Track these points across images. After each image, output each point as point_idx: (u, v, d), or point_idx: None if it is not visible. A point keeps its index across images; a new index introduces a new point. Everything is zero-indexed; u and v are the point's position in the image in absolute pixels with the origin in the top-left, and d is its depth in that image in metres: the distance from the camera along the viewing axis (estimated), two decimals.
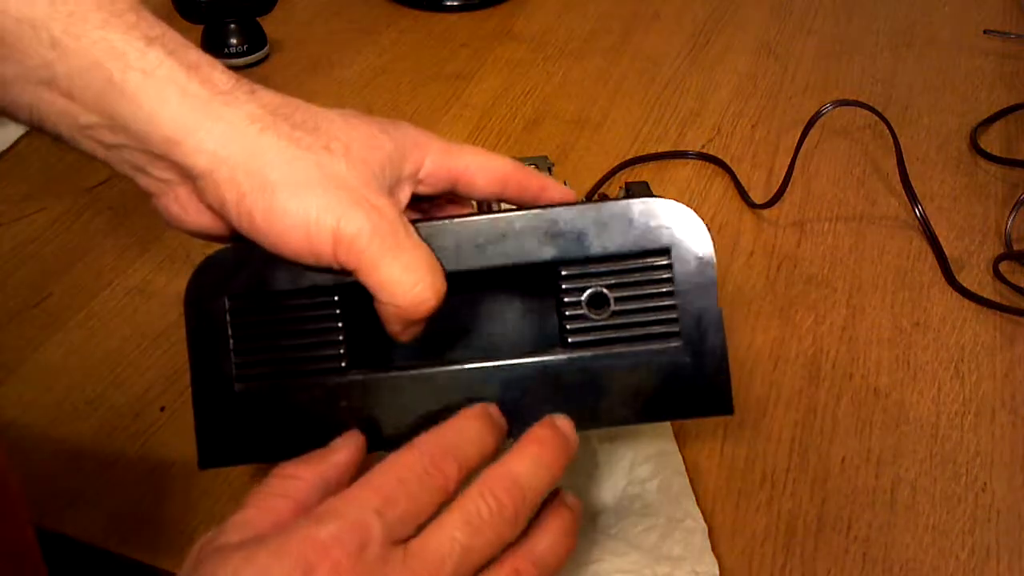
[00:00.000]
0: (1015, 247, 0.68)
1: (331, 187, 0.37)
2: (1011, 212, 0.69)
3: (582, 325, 0.41)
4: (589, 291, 0.41)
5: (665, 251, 0.40)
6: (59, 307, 0.63)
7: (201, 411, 0.40)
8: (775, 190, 0.70)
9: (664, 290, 0.40)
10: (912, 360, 0.60)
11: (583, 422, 0.40)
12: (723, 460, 0.53)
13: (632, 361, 0.40)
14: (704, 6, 0.98)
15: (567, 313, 0.41)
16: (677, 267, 0.40)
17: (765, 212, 0.71)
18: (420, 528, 0.34)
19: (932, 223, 0.68)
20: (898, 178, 0.70)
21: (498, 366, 0.40)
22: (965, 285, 0.64)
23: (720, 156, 0.76)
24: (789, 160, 0.71)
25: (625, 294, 0.40)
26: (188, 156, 0.37)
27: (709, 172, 0.75)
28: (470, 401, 0.39)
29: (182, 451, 0.53)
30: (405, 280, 0.38)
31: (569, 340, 0.40)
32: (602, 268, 0.40)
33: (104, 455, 0.53)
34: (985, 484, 0.52)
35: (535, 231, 0.40)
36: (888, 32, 0.93)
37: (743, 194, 0.72)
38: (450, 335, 0.45)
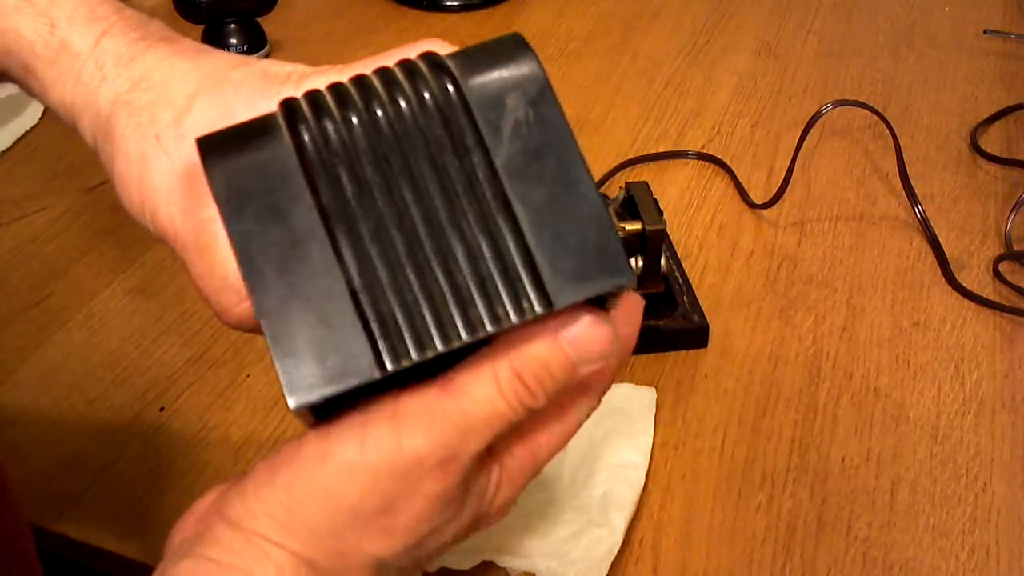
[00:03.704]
0: (1015, 247, 0.68)
1: (150, 180, 0.35)
2: (1011, 212, 0.69)
3: None
4: None
5: None
6: (59, 307, 0.63)
7: None
8: (775, 190, 0.70)
9: None
10: (912, 360, 0.60)
11: None
12: (723, 460, 0.53)
13: None
14: (704, 6, 0.98)
15: None
16: None
17: (765, 212, 0.71)
18: None
19: (932, 223, 0.68)
20: (898, 178, 0.70)
21: None
22: (965, 285, 0.64)
23: (720, 156, 0.76)
24: (789, 160, 0.71)
25: None
26: (84, 136, 0.37)
27: (709, 172, 0.75)
28: None
29: (182, 451, 0.54)
30: (208, 281, 0.34)
31: None
32: None
33: (104, 455, 0.53)
34: (985, 484, 0.52)
35: None
36: (888, 32, 0.93)
37: (743, 194, 0.72)
38: None
